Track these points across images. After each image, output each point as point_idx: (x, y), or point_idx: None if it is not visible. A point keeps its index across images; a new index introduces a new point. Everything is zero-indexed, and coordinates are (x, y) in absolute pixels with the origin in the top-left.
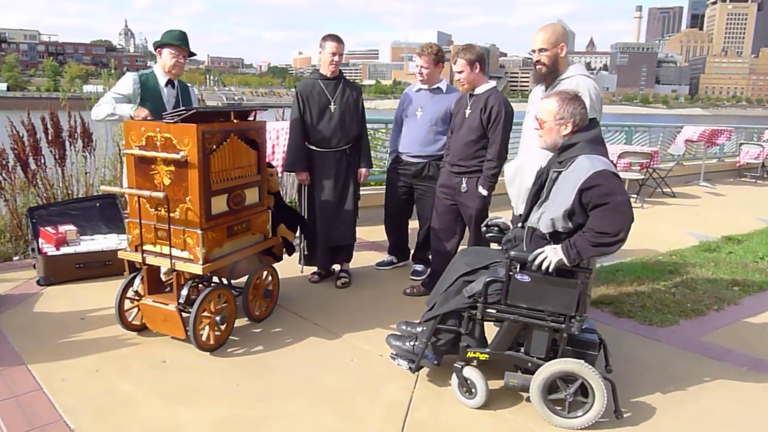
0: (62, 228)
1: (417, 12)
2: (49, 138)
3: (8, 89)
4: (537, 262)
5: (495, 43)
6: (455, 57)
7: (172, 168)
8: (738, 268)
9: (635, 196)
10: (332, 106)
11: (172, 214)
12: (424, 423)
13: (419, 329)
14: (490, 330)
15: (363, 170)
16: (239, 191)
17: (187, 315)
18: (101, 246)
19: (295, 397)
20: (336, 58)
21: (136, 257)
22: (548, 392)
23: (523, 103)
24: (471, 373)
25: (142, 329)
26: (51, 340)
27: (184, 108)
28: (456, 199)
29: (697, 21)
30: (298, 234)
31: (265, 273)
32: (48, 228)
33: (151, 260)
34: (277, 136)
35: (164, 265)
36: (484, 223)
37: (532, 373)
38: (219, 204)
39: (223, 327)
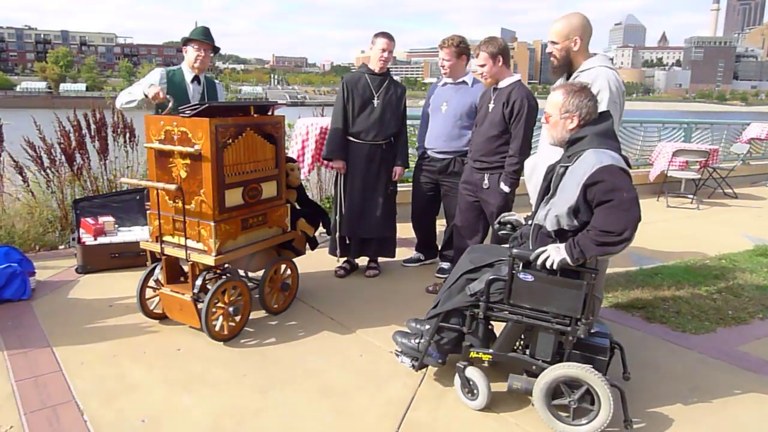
0: (101, 219)
1: (481, 8)
2: (92, 134)
3: (87, 89)
4: (540, 260)
5: None
6: (477, 50)
7: (187, 161)
8: None
9: (691, 196)
10: (375, 101)
11: (187, 206)
12: (421, 423)
13: (426, 327)
14: (500, 330)
15: (398, 168)
16: (255, 185)
17: (202, 305)
18: (136, 237)
19: (297, 389)
20: (385, 55)
21: (156, 248)
22: (552, 397)
23: None
24: (473, 373)
25: (163, 317)
26: (78, 326)
27: (198, 102)
28: (478, 195)
29: None
30: (333, 223)
31: (283, 266)
32: (88, 219)
33: (169, 251)
34: (307, 132)
35: (180, 255)
36: (497, 220)
37: (537, 376)
38: (234, 197)
39: (237, 318)
